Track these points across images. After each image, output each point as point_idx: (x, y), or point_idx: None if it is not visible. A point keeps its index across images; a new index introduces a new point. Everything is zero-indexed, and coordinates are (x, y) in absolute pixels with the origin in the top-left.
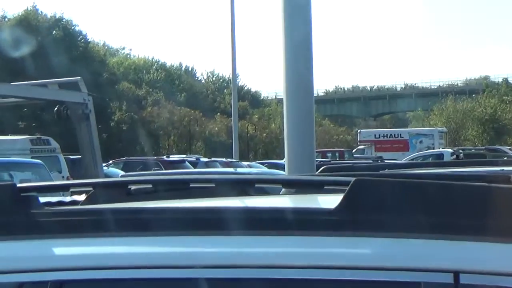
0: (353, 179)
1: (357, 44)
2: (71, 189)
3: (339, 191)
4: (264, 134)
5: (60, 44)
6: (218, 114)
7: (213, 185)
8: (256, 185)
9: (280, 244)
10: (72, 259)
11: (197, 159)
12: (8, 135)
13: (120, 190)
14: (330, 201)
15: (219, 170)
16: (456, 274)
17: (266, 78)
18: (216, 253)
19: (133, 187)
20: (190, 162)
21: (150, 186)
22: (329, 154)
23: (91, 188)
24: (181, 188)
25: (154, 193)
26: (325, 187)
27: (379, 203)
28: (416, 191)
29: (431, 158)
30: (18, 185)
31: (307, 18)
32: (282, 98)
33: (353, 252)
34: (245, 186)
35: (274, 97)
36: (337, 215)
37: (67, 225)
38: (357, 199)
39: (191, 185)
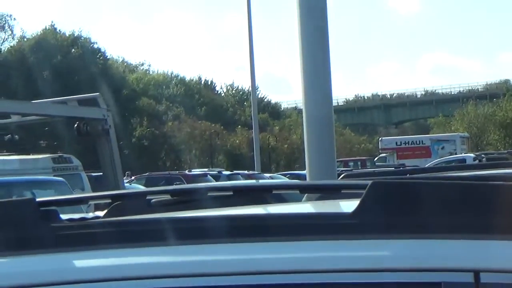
0: (370, 182)
1: (376, 52)
2: (90, 202)
3: (359, 196)
4: (286, 145)
5: (79, 61)
6: (239, 126)
7: (231, 193)
8: (274, 192)
9: (301, 249)
10: (93, 271)
11: (219, 172)
12: (30, 154)
13: (141, 202)
14: (349, 205)
15: (240, 182)
16: (477, 273)
17: (286, 88)
18: (235, 260)
19: (153, 199)
20: (212, 175)
21: (169, 197)
22: (351, 163)
23: (109, 200)
24: (199, 198)
25: (175, 204)
26: (344, 193)
27: (397, 205)
28: (433, 191)
29: (453, 164)
30: (37, 199)
31: (324, 27)
32: (302, 109)
33: (373, 254)
34: (264, 194)
35: (294, 108)
36: (355, 218)
37: (87, 238)
38: (374, 202)
39: (210, 194)
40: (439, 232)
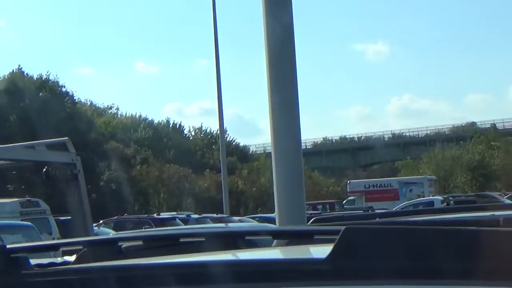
0: (343, 227)
1: (344, 95)
2: (61, 249)
3: (330, 240)
4: (254, 189)
5: (47, 105)
6: (207, 170)
7: (203, 239)
8: (247, 238)
9: None
10: None
11: (188, 215)
12: None
13: (110, 248)
14: (321, 251)
15: (210, 226)
16: None
17: (254, 131)
18: None
19: (123, 245)
20: (180, 219)
21: (140, 243)
22: (320, 206)
23: (81, 247)
24: (172, 244)
25: (146, 250)
26: (316, 238)
27: (370, 251)
28: (407, 237)
29: (421, 206)
30: (8, 246)
31: (293, 71)
32: (271, 152)
33: None
34: (236, 240)
35: (262, 151)
36: (329, 264)
37: (58, 285)
38: (348, 247)
39: (181, 240)
40: (414, 278)
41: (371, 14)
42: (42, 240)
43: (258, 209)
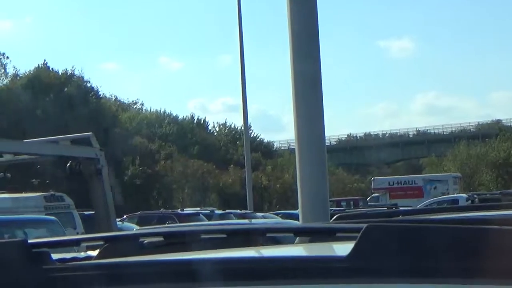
0: (364, 225)
1: (369, 92)
2: (82, 244)
3: (352, 238)
4: (278, 185)
5: (72, 100)
6: (232, 166)
7: (225, 235)
8: (268, 235)
9: None
10: None
11: (212, 211)
12: (21, 192)
13: (132, 243)
14: (343, 248)
15: (232, 222)
16: None
17: (278, 127)
18: None
19: (145, 240)
20: (204, 214)
21: (162, 238)
22: (344, 203)
23: (103, 242)
24: (193, 240)
25: (167, 246)
26: (338, 235)
27: (392, 248)
28: (428, 236)
29: (446, 204)
30: (29, 241)
31: (317, 69)
32: (294, 148)
33: None
34: (257, 236)
35: (286, 147)
36: (350, 262)
37: (79, 280)
38: (369, 245)
39: (202, 236)
40: (434, 276)
41: (396, 10)
42: (66, 235)
43: (277, 206)
